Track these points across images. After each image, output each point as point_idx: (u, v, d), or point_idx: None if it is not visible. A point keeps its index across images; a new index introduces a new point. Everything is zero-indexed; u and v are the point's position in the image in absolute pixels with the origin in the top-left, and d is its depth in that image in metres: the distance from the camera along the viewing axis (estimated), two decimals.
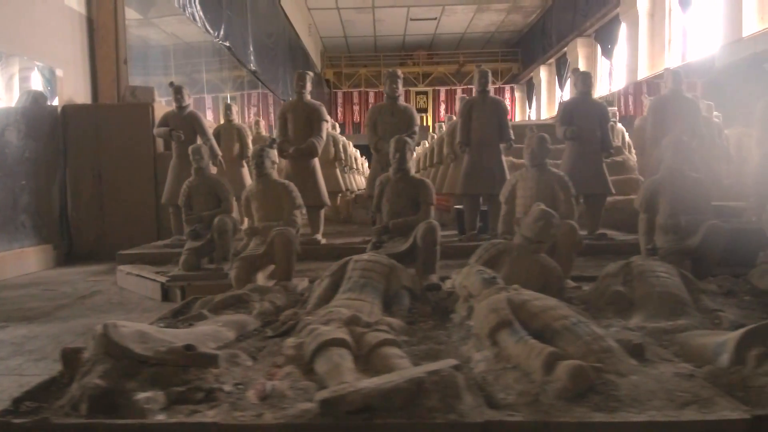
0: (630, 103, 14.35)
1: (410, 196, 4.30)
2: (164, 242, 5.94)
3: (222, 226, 4.66)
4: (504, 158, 6.04)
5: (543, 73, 22.16)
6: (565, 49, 19.58)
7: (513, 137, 5.97)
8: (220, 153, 6.15)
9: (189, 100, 6.06)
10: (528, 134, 4.21)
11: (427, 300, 3.32)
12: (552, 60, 21.51)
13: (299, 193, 5.76)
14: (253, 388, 2.04)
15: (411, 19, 22.81)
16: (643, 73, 15.14)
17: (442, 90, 25.00)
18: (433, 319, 3.03)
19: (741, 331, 2.19)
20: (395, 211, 4.31)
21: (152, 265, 5.39)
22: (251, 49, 13.14)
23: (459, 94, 24.50)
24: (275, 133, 6.03)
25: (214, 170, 5.83)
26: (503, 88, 25.00)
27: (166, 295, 4.63)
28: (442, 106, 24.64)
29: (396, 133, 5.75)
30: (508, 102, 25.03)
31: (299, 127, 5.76)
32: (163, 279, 4.70)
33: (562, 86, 20.92)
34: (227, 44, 11.56)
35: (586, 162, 5.70)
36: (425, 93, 24.99)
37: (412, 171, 4.51)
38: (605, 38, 17.50)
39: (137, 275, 5.06)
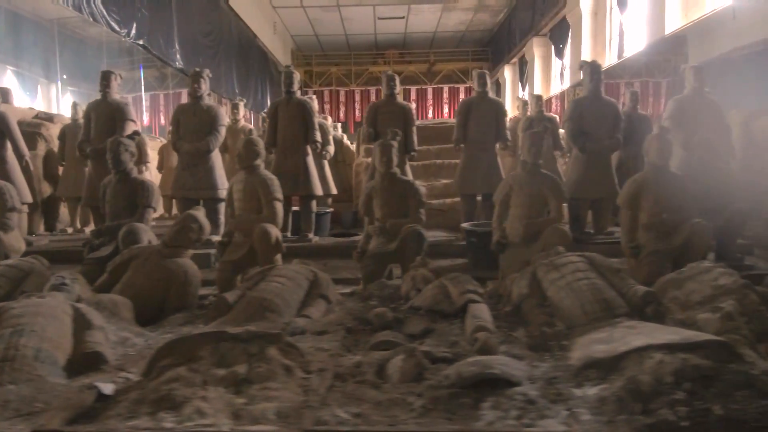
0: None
1: (128, 197, 4.24)
2: None
3: None
4: (311, 159, 5.94)
5: (507, 73, 21.87)
6: (524, 49, 19.32)
7: (318, 139, 5.88)
8: (27, 154, 6.10)
9: None
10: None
11: None
12: (515, 59, 21.22)
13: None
14: None
15: (379, 18, 22.64)
16: None
17: (413, 89, 24.83)
18: None
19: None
20: (114, 213, 4.26)
21: None
22: (177, 47, 13.12)
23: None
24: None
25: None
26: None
27: None
28: (413, 105, 24.38)
29: (198, 132, 5.71)
30: None
31: (101, 127, 5.72)
32: None
33: (523, 86, 20.65)
34: (141, 43, 11.55)
35: None
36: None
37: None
38: (557, 38, 17.24)
39: None
